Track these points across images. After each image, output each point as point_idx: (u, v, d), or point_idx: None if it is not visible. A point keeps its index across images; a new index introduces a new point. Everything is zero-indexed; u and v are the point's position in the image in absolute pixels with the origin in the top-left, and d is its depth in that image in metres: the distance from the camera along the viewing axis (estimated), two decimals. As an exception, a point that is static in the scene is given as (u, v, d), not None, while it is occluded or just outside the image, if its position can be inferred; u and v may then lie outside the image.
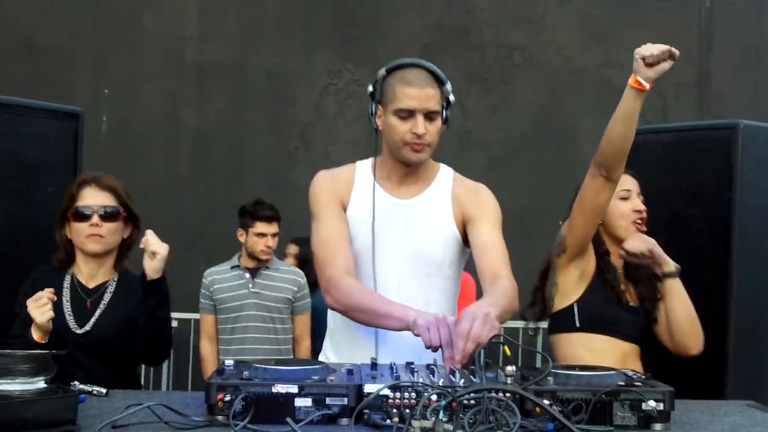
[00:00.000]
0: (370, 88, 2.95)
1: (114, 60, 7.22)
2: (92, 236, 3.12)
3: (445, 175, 3.02)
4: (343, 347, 2.93)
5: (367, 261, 2.88)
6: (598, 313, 3.32)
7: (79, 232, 3.14)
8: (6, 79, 6.69)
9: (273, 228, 5.26)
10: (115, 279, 3.21)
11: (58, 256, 3.20)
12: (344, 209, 2.93)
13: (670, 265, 3.31)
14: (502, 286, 2.72)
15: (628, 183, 3.38)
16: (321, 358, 2.99)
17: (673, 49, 3.04)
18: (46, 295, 2.89)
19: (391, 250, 2.89)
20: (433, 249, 2.90)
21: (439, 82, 2.88)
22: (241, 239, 5.29)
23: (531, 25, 7.36)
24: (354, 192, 2.95)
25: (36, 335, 2.90)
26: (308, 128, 7.22)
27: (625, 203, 3.37)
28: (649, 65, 3.03)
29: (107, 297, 3.16)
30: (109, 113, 7.15)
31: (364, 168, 3.01)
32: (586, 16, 7.34)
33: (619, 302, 3.35)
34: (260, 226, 5.22)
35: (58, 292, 3.11)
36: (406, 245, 2.89)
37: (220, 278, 5.23)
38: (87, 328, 3.08)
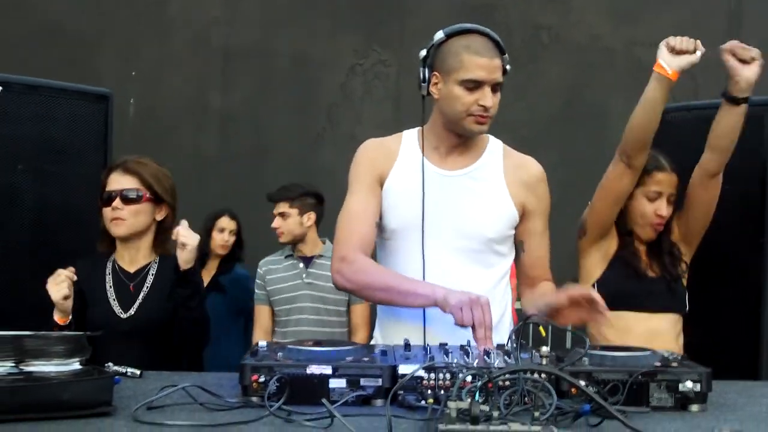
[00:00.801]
0: (423, 53, 2.80)
1: (141, 44, 7.23)
2: (114, 220, 3.15)
3: (495, 147, 2.91)
4: (389, 330, 2.84)
5: (411, 236, 2.78)
6: (617, 288, 3.28)
7: (106, 216, 3.17)
8: (34, 63, 6.70)
9: (278, 208, 5.10)
10: (156, 261, 3.22)
11: (100, 243, 3.24)
12: (383, 181, 2.83)
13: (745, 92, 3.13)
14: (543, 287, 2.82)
15: (662, 183, 3.31)
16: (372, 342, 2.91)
17: (699, 43, 3.01)
18: (64, 273, 2.91)
19: (438, 224, 2.77)
20: (485, 224, 2.79)
21: (501, 52, 2.77)
22: None
23: (558, 4, 7.29)
24: (397, 162, 2.85)
25: (57, 317, 2.92)
26: (334, 109, 7.20)
27: (650, 204, 3.32)
28: (674, 52, 3.01)
29: (150, 280, 3.17)
30: (137, 97, 7.16)
31: (410, 138, 2.91)
32: (614, -5, 7.27)
33: (638, 276, 3.32)
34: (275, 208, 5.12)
35: (102, 280, 3.16)
36: (453, 219, 2.78)
37: (275, 268, 5.11)
38: (131, 312, 3.11)
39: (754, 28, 7.24)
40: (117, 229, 3.15)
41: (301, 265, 5.06)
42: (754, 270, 3.40)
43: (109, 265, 3.20)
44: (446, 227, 2.78)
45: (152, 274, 3.18)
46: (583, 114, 7.14)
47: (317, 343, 2.28)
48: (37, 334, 2.12)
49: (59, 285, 2.88)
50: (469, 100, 2.72)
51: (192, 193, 7.03)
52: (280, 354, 2.19)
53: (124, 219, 3.14)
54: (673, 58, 3.02)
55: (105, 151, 3.63)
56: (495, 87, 2.74)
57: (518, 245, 2.89)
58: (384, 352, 2.30)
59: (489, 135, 2.93)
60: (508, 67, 2.79)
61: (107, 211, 3.15)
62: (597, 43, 7.26)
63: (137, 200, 3.15)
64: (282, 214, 5.09)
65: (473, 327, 2.43)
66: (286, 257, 5.13)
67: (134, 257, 3.21)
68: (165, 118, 7.17)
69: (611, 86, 7.13)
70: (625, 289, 3.29)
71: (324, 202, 5.19)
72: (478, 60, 2.71)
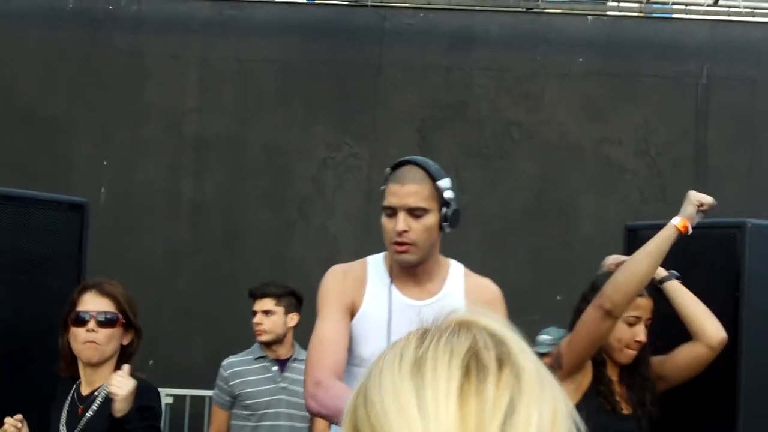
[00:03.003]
0: (382, 187, 2.88)
1: (114, 131, 7.23)
2: (88, 343, 3.05)
3: (456, 272, 2.94)
4: None
5: None
6: (591, 423, 3.25)
7: (77, 337, 3.07)
8: (6, 148, 6.70)
9: (262, 305, 4.72)
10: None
11: (60, 364, 3.12)
12: (355, 307, 2.84)
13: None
14: None
15: (641, 309, 3.30)
16: None
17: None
18: (10, 421, 2.87)
19: None
20: None
21: (432, 178, 2.78)
22: None
23: (529, 101, 7.39)
24: (367, 291, 2.86)
25: None
26: (306, 202, 7.21)
27: (629, 329, 3.31)
28: (702, 212, 3.10)
29: (98, 402, 3.07)
30: (108, 184, 7.14)
31: (375, 264, 2.93)
32: (584, 92, 7.39)
33: (614, 410, 3.31)
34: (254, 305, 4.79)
35: (62, 403, 3.07)
36: None
37: (244, 370, 4.75)
38: None
39: (721, 126, 7.39)
40: (89, 353, 3.06)
41: (275, 368, 4.75)
42: (729, 392, 3.41)
43: (74, 387, 3.13)
44: None
45: (102, 397, 3.06)
46: (552, 209, 7.21)
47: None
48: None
49: None
50: (389, 228, 2.79)
51: (163, 281, 7.00)
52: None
53: (99, 343, 3.06)
54: (697, 216, 3.12)
55: (80, 261, 3.58)
56: (414, 213, 2.75)
57: None
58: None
59: (450, 259, 2.97)
60: (447, 194, 2.80)
61: (80, 332, 3.06)
62: (566, 139, 7.36)
63: (113, 324, 3.07)
64: (267, 312, 4.74)
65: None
66: (256, 359, 4.80)
67: (91, 380, 3.11)
68: (137, 207, 7.14)
69: (580, 182, 7.22)
70: (601, 424, 3.27)
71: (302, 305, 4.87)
72: (392, 187, 2.79)
